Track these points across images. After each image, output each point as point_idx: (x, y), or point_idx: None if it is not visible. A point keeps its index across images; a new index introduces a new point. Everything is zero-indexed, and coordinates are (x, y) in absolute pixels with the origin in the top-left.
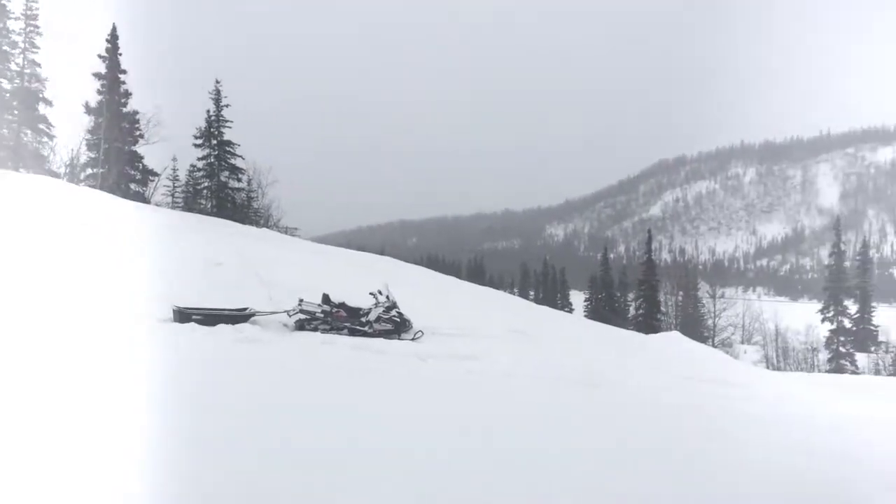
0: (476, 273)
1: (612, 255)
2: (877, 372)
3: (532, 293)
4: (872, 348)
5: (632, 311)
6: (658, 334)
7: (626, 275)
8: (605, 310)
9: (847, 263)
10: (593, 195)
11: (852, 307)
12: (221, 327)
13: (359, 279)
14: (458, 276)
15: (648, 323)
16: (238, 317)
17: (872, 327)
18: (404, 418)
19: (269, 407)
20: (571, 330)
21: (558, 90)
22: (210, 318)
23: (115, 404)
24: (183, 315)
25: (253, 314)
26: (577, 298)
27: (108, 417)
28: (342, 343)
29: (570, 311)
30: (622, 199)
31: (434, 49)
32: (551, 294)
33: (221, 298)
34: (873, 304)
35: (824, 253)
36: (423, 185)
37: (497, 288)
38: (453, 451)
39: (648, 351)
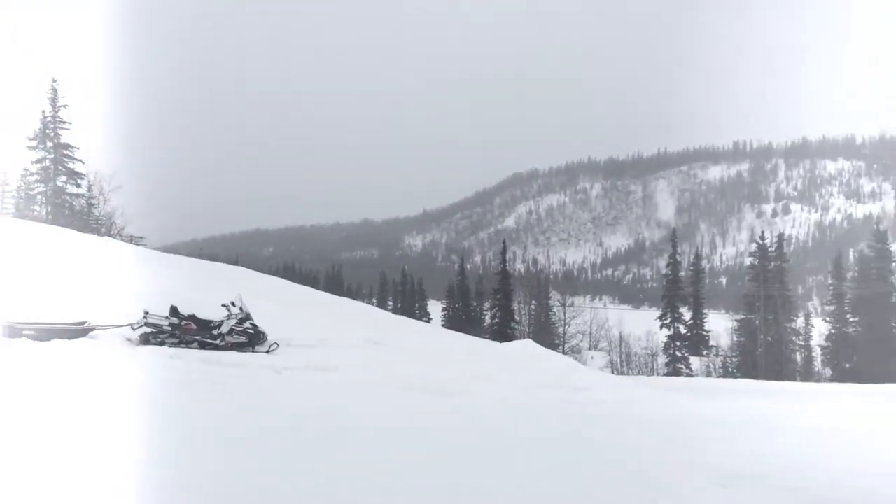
0: (334, 283)
1: (468, 266)
2: (708, 374)
3: (390, 303)
4: (704, 352)
5: (487, 319)
6: (512, 342)
7: (482, 284)
8: (461, 319)
9: (682, 273)
10: (451, 206)
11: (687, 314)
12: (56, 342)
13: (210, 290)
14: (316, 286)
15: (503, 331)
16: (75, 331)
17: (704, 332)
18: (253, 434)
19: (105, 430)
20: (428, 339)
21: (414, 101)
22: (44, 332)
23: None
24: (13, 330)
25: (92, 328)
26: (435, 308)
27: None
28: (192, 357)
29: (429, 320)
30: (478, 211)
31: (310, 51)
32: (410, 304)
33: (60, 312)
34: (705, 311)
35: (662, 263)
36: (280, 193)
37: (355, 298)
38: (310, 461)
39: (502, 359)
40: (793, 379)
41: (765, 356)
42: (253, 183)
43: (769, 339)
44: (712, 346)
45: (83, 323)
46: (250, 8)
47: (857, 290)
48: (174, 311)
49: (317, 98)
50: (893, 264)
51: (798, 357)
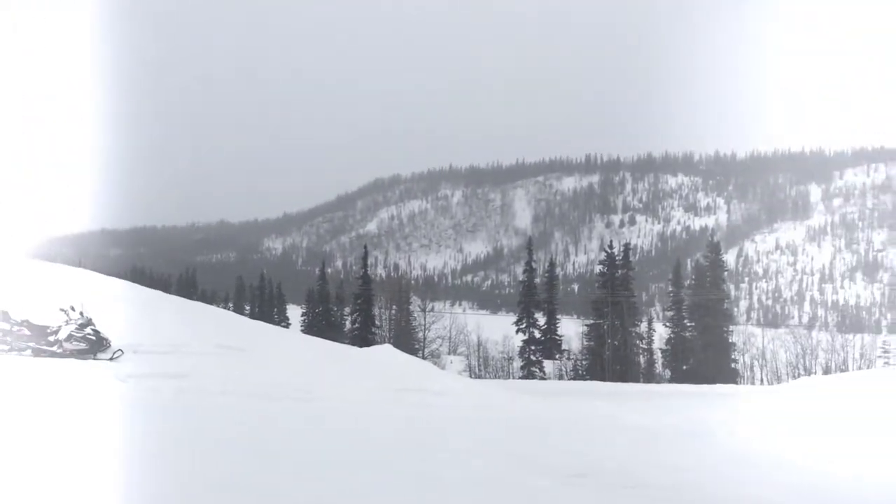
0: (187, 287)
1: (329, 270)
2: (560, 377)
3: (248, 308)
4: (557, 356)
5: (348, 324)
6: (372, 347)
7: (343, 289)
8: (322, 324)
9: (538, 280)
10: (311, 210)
11: (541, 319)
12: None
13: (48, 293)
14: (168, 290)
15: (364, 336)
16: None
17: (557, 337)
18: (78, 448)
19: None
20: (286, 344)
21: (274, 99)
22: None
23: None
24: None
25: None
26: (295, 313)
27: None
28: (24, 365)
29: (287, 325)
30: (340, 215)
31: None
32: (268, 308)
33: None
34: (558, 316)
35: (519, 270)
36: (128, 191)
37: (210, 302)
38: (156, 474)
39: (361, 363)
40: (636, 380)
41: (611, 359)
42: (97, 179)
43: (616, 342)
44: (564, 349)
45: None
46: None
47: (693, 297)
48: (5, 315)
49: (178, 92)
50: (725, 273)
51: (641, 360)
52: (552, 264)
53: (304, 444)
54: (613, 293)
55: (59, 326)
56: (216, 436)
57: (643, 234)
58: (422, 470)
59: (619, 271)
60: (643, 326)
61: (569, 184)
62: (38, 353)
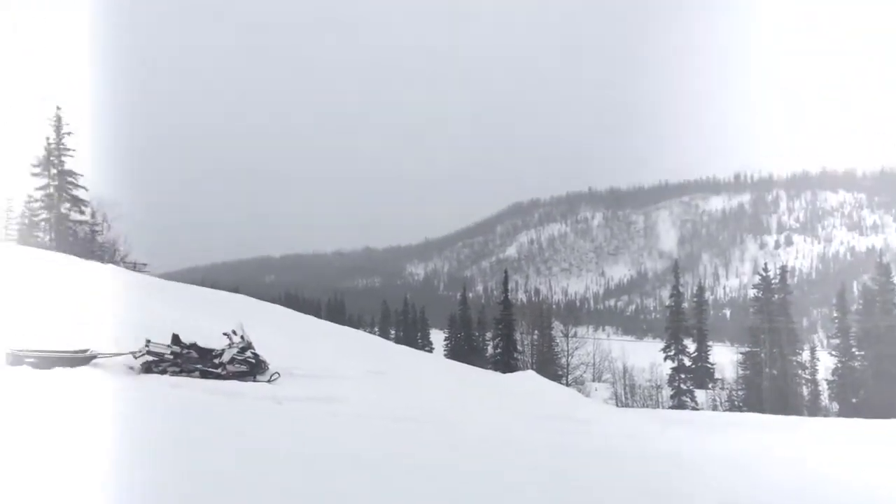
0: (336, 312)
1: (470, 295)
2: (714, 407)
3: (393, 332)
4: (710, 385)
5: (490, 350)
6: (514, 373)
7: (484, 314)
8: (464, 349)
9: (685, 304)
10: (452, 235)
11: (691, 346)
12: (58, 371)
13: (212, 318)
14: (318, 314)
15: (506, 361)
16: (78, 359)
17: (709, 365)
18: (255, 465)
19: (109, 451)
20: (430, 370)
21: (414, 132)
22: (46, 360)
23: None
24: (15, 358)
25: (94, 356)
26: (438, 337)
27: None
28: (193, 386)
29: (431, 350)
30: (480, 240)
31: (311, 81)
32: (412, 333)
33: (61, 340)
34: (709, 343)
35: (665, 294)
36: (280, 221)
37: (357, 327)
38: (308, 493)
39: (505, 390)
40: (800, 413)
41: (770, 389)
42: (254, 211)
43: (774, 372)
44: (717, 378)
45: (85, 351)
46: (254, 37)
47: (861, 324)
48: (176, 339)
49: (318, 128)
50: None
51: (804, 391)
52: (701, 288)
53: (446, 471)
54: (770, 319)
55: (223, 350)
56: (367, 456)
57: (801, 255)
58: (562, 500)
59: (776, 295)
60: (805, 355)
61: (717, 203)
62: (204, 374)
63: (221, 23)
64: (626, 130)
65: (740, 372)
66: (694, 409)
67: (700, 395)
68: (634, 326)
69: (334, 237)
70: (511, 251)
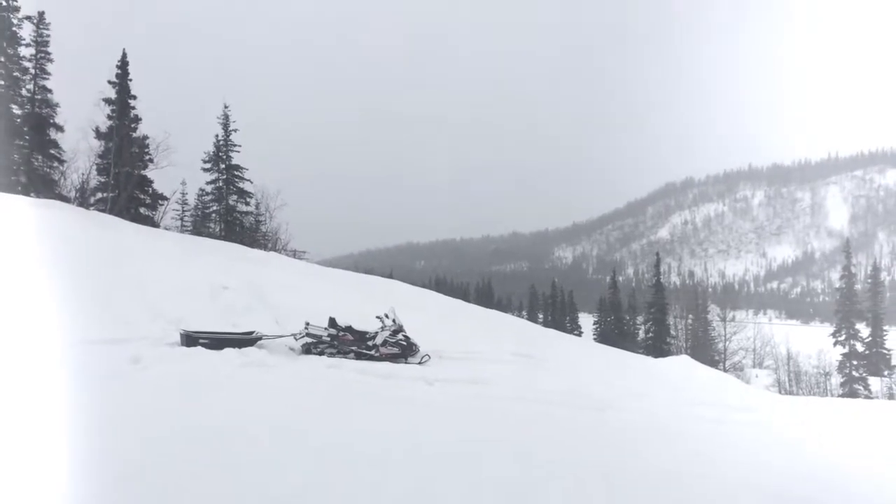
0: (484, 296)
1: (620, 278)
2: (891, 397)
3: (541, 316)
4: (886, 372)
5: (641, 334)
6: (668, 358)
7: (634, 298)
8: (614, 333)
9: (858, 286)
10: (600, 218)
11: (864, 331)
12: (228, 351)
13: (365, 302)
14: (466, 298)
15: (658, 347)
16: (244, 340)
17: (885, 351)
18: (407, 445)
19: (275, 430)
20: (580, 354)
21: (561, 111)
22: (216, 341)
23: (121, 424)
24: (190, 339)
25: (259, 338)
26: (587, 321)
27: (112, 437)
28: (348, 367)
29: (580, 334)
30: (630, 222)
31: (444, 65)
32: (560, 317)
33: (229, 322)
34: (885, 327)
35: (835, 276)
36: (430, 207)
37: (505, 311)
38: (462, 476)
39: (658, 375)
40: None
41: None
42: (404, 198)
43: None
44: (895, 365)
45: (252, 333)
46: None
47: None
48: (332, 322)
49: (464, 113)
50: None
51: None
52: (876, 268)
53: (589, 456)
54: None
55: (376, 332)
56: (511, 437)
57: None
58: (705, 494)
59: None
60: None
61: (894, 177)
62: (359, 356)
63: (386, 22)
64: (789, 101)
65: None
66: (867, 397)
67: (874, 382)
68: (800, 310)
69: (482, 223)
70: (663, 233)
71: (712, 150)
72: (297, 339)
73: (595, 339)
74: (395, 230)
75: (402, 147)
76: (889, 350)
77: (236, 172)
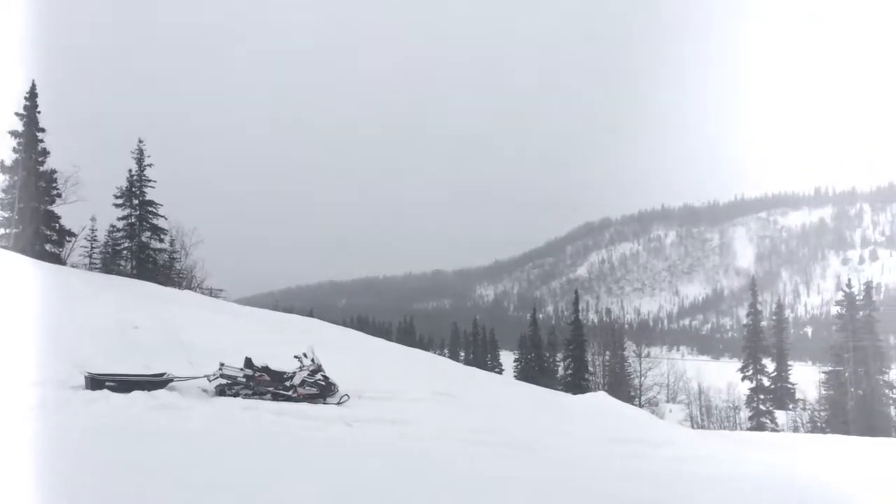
0: (406, 334)
1: (540, 316)
2: (795, 429)
3: (462, 354)
4: (790, 406)
5: (561, 371)
6: (586, 394)
7: (554, 335)
8: (534, 370)
9: (764, 323)
10: (522, 256)
11: (770, 365)
12: (136, 394)
13: (284, 342)
14: (388, 337)
15: (577, 383)
16: (154, 383)
17: (790, 385)
18: (324, 487)
19: (181, 479)
20: (500, 392)
21: (483, 149)
22: (124, 384)
23: (10, 480)
24: (95, 382)
25: (171, 380)
26: (508, 359)
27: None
28: (264, 408)
29: (501, 371)
30: (550, 260)
31: (353, 97)
32: (482, 354)
33: (138, 363)
34: (790, 362)
35: (742, 312)
36: (352, 245)
37: (427, 349)
38: None
39: (576, 412)
40: (888, 434)
41: (856, 410)
42: (325, 236)
43: (860, 392)
44: (799, 399)
45: (162, 374)
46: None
47: None
48: (248, 362)
49: (386, 148)
50: None
51: (893, 412)
52: (780, 306)
53: (516, 494)
54: (855, 337)
55: (294, 372)
56: (432, 479)
57: (887, 270)
58: None
59: (861, 312)
60: (893, 374)
61: (796, 219)
62: (276, 396)
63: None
64: (698, 148)
65: (823, 392)
66: (773, 430)
67: (780, 416)
68: (710, 346)
69: (404, 261)
70: (582, 271)
71: (628, 190)
72: (210, 381)
73: (516, 376)
74: (316, 268)
75: (321, 184)
76: (793, 384)
77: (150, 208)
